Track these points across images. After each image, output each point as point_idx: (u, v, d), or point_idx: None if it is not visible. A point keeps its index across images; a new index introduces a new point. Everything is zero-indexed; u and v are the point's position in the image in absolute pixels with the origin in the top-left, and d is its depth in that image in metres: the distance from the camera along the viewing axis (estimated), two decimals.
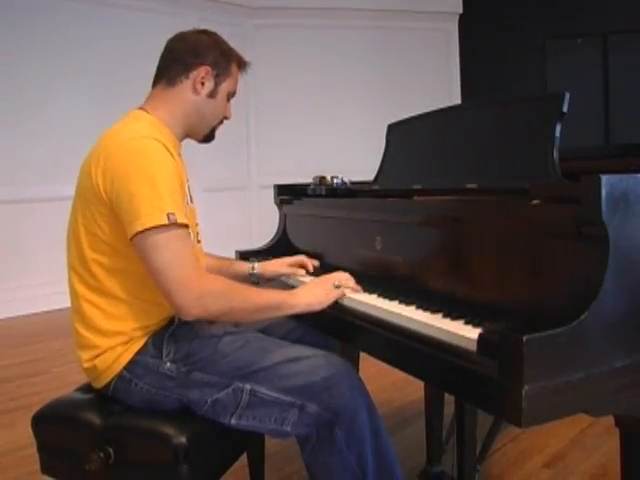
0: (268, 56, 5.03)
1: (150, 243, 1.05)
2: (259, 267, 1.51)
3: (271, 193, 1.88)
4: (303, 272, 1.49)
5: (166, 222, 1.05)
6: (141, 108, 1.24)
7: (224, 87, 1.27)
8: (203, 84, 1.24)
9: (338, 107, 5.31)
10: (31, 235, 4.12)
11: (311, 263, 1.51)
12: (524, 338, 0.76)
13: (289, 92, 5.21)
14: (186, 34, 1.28)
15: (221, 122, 1.33)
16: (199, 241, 1.35)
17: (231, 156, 5.11)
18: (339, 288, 1.22)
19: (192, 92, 1.24)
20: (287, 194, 1.84)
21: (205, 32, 1.29)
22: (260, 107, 5.20)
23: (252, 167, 5.29)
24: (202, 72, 1.24)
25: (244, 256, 1.77)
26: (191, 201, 1.27)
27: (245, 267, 1.51)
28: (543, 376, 0.77)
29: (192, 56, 1.24)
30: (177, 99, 1.24)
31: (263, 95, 5.16)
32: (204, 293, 1.07)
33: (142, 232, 1.05)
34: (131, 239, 1.07)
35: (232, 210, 5.10)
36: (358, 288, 1.25)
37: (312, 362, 1.12)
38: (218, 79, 1.26)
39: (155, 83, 1.27)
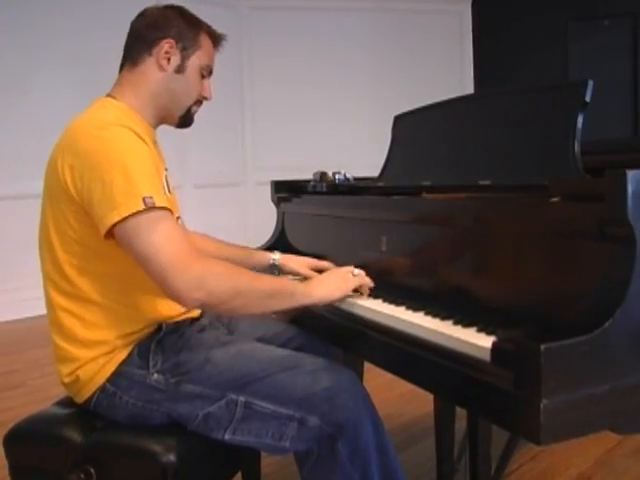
0: (264, 41, 5.03)
1: (130, 228, 1.04)
2: (281, 258, 1.50)
3: (268, 190, 1.88)
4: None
5: (143, 207, 1.04)
6: (108, 95, 1.24)
7: (194, 61, 1.25)
8: (169, 59, 1.23)
9: (340, 97, 5.30)
10: (14, 235, 4.12)
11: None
12: (542, 347, 0.76)
13: (287, 80, 5.20)
14: (148, 9, 1.27)
15: (199, 103, 1.30)
16: None
17: (224, 150, 5.11)
18: (358, 276, 1.22)
19: (157, 69, 1.23)
20: (285, 191, 1.84)
21: (169, 6, 1.28)
22: (256, 96, 5.20)
23: (247, 162, 5.29)
24: (165, 46, 1.22)
25: None
26: (169, 191, 1.26)
27: (267, 257, 1.50)
28: (563, 389, 0.77)
29: (153, 30, 1.23)
30: (143, 80, 1.23)
31: (259, 83, 5.16)
32: (204, 273, 1.05)
33: (121, 222, 1.04)
34: (109, 234, 1.06)
35: (225, 208, 5.09)
36: (371, 283, 1.25)
37: (312, 371, 1.12)
38: (185, 52, 1.24)
39: (121, 67, 1.26)
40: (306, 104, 5.22)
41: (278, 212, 1.86)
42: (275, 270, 1.49)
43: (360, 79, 5.39)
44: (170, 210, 1.09)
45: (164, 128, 1.34)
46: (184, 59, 1.24)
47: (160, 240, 1.04)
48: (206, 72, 1.29)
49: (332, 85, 5.29)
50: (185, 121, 1.30)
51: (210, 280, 1.05)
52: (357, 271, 1.24)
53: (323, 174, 1.78)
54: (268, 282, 1.15)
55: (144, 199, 1.04)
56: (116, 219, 1.04)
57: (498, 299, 1.03)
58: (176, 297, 1.05)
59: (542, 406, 0.76)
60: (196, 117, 1.33)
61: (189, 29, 1.25)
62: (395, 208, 1.34)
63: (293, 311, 1.28)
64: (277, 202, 1.86)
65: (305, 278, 1.40)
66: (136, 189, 1.05)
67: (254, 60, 5.10)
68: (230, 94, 4.98)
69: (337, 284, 1.20)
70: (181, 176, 4.32)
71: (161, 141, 1.33)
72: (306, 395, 1.09)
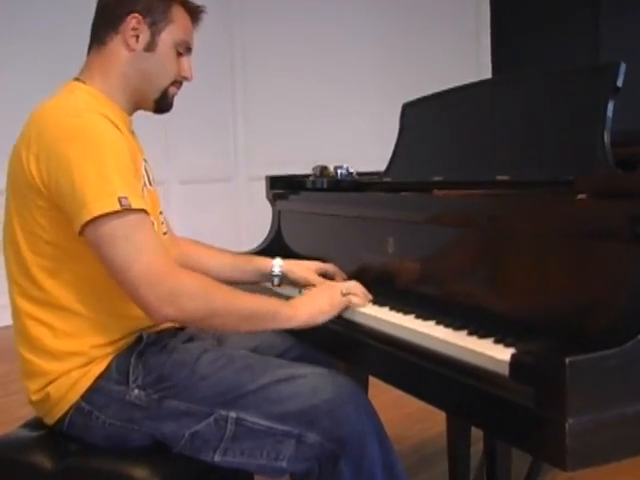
0: (257, 25, 5.03)
1: (104, 235, 1.05)
2: (285, 264, 1.45)
3: (262, 186, 1.88)
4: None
5: (118, 207, 1.04)
6: (76, 79, 1.24)
7: (166, 37, 1.24)
8: (137, 37, 1.22)
9: (343, 84, 5.29)
10: None
11: (341, 277, 1.44)
12: (567, 360, 0.75)
13: (284, 66, 5.19)
14: None
15: (177, 84, 1.29)
16: (165, 233, 1.34)
17: (213, 142, 5.11)
18: (347, 296, 1.22)
19: (125, 49, 1.22)
20: (282, 187, 1.84)
21: None
22: (249, 83, 5.19)
23: (240, 155, 5.28)
24: (132, 22, 1.21)
25: None
26: (150, 184, 1.27)
27: (268, 264, 1.46)
28: (591, 407, 0.77)
29: (118, 5, 1.22)
30: (111, 61, 1.22)
31: (252, 69, 5.15)
32: (178, 288, 1.06)
33: (92, 223, 1.04)
34: (80, 233, 1.06)
35: (215, 207, 5.09)
36: (369, 297, 1.25)
37: (310, 382, 1.12)
38: (155, 28, 1.23)
39: (89, 48, 1.26)
40: (304, 91, 5.21)
41: (273, 211, 1.86)
42: (277, 279, 1.45)
43: (364, 64, 5.38)
44: (147, 212, 1.10)
45: (145, 117, 1.33)
46: (154, 35, 1.23)
47: (135, 250, 1.05)
48: (183, 49, 1.27)
49: (333, 71, 5.29)
50: (162, 105, 1.29)
51: (182, 296, 1.06)
52: (347, 287, 1.23)
53: (323, 168, 1.78)
54: (249, 302, 1.15)
55: (119, 199, 1.04)
56: (87, 218, 1.04)
57: (517, 307, 1.02)
58: (145, 309, 1.07)
59: (567, 426, 0.75)
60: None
61: (159, 1, 1.24)
62: (403, 206, 1.34)
63: None
64: (272, 199, 1.85)
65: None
66: (110, 186, 1.05)
67: (246, 45, 5.10)
68: (220, 80, 4.98)
69: (321, 307, 1.19)
70: (165, 171, 4.32)
71: (142, 131, 1.33)
72: (305, 408, 1.09)
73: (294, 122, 5.18)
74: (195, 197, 4.84)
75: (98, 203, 1.04)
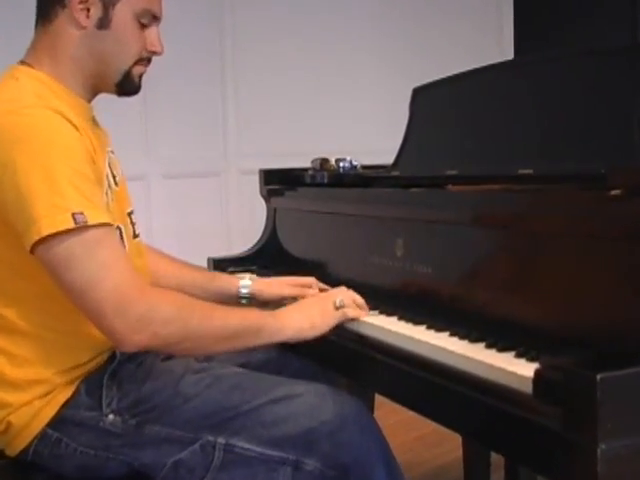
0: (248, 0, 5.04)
1: (58, 255, 1.03)
2: (254, 284, 1.45)
3: (256, 181, 1.89)
4: (314, 292, 1.43)
5: (72, 225, 1.02)
6: (22, 62, 1.20)
7: (122, 9, 1.17)
8: (87, 11, 1.16)
9: (346, 66, 5.28)
10: None
11: (325, 288, 1.43)
12: (598, 377, 0.75)
13: (279, 45, 5.18)
14: None
15: (144, 61, 1.24)
16: (136, 235, 1.32)
17: (201, 131, 5.09)
18: (341, 309, 1.22)
19: (74, 27, 1.17)
20: (277, 182, 1.84)
21: None
22: (240, 65, 5.18)
23: (230, 146, 5.27)
24: None
25: (220, 266, 1.77)
26: (116, 184, 1.24)
27: (233, 284, 1.46)
28: (626, 430, 0.77)
29: None
30: (59, 41, 1.17)
31: (245, 49, 5.14)
32: (150, 313, 1.06)
33: (43, 241, 1.02)
34: (31, 252, 1.04)
35: (202, 204, 5.07)
36: (365, 308, 1.24)
37: (308, 401, 1.12)
38: (107, 0, 1.17)
39: (35, 24, 1.21)
40: (302, 75, 5.19)
41: (268, 208, 1.86)
42: (244, 301, 1.44)
43: (371, 45, 5.37)
44: (111, 225, 1.08)
45: (121, 101, 1.31)
46: (107, 8, 1.16)
47: (97, 270, 1.04)
48: (147, 19, 1.21)
49: (335, 52, 5.27)
50: (127, 88, 1.25)
51: (156, 321, 1.06)
52: (341, 299, 1.22)
53: (324, 161, 1.78)
54: (229, 319, 1.14)
55: (73, 215, 1.02)
56: (35, 237, 1.01)
57: (542, 316, 1.02)
58: (113, 339, 1.07)
59: (599, 452, 0.75)
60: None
61: None
62: (414, 204, 1.34)
63: None
64: (267, 196, 1.86)
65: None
66: (62, 200, 1.02)
67: (237, 21, 5.09)
68: (208, 63, 4.96)
69: (312, 320, 1.19)
70: (146, 164, 4.30)
71: (118, 118, 1.31)
72: (302, 431, 1.09)
73: (291, 109, 5.16)
74: (179, 193, 4.82)
75: (48, 220, 1.01)
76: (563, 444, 0.80)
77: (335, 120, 5.12)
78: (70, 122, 1.10)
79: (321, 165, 1.78)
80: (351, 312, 1.22)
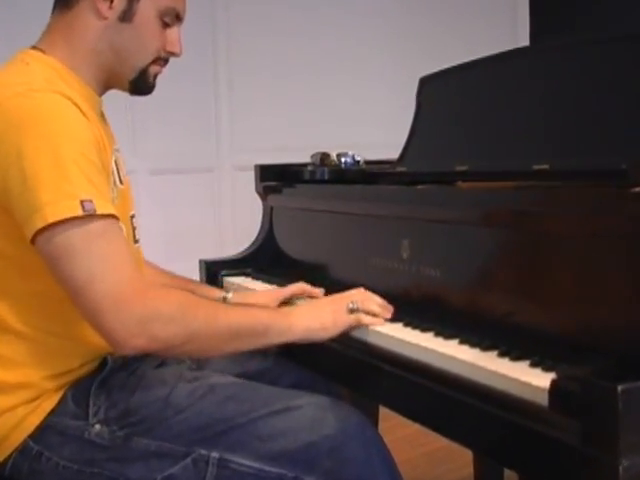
0: None
1: (60, 246, 1.03)
2: (235, 299, 1.47)
3: (251, 177, 1.89)
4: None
5: (80, 213, 1.03)
6: (34, 47, 1.22)
7: (146, 4, 1.20)
8: (110, 3, 1.19)
9: (348, 54, 5.27)
10: None
11: (316, 292, 1.45)
12: (619, 388, 0.76)
13: (276, 32, 5.18)
14: None
15: (161, 61, 1.27)
16: (136, 241, 1.34)
17: (192, 123, 5.09)
18: (355, 312, 1.21)
19: (95, 16, 1.19)
20: (274, 179, 1.84)
21: None
22: (235, 55, 5.17)
23: (223, 140, 5.27)
24: None
25: (213, 269, 1.78)
26: (121, 182, 1.26)
27: (215, 296, 1.47)
28: None
29: None
30: (77, 30, 1.20)
31: (239, 39, 5.14)
32: (151, 313, 1.06)
33: (46, 230, 1.03)
34: (32, 242, 1.05)
35: (193, 202, 5.07)
36: (387, 312, 1.23)
37: (309, 414, 1.12)
38: None
39: (53, 8, 1.23)
40: (301, 64, 5.18)
41: (265, 207, 1.86)
42: None
43: (375, 32, 5.36)
44: (116, 218, 1.09)
45: (108, 92, 1.32)
46: (131, 2, 1.20)
47: (98, 266, 1.04)
48: (170, 18, 1.25)
49: (336, 39, 5.26)
50: (141, 86, 1.28)
51: (156, 322, 1.06)
52: (356, 301, 1.21)
53: (325, 156, 1.79)
54: (236, 317, 1.15)
55: (82, 203, 1.03)
56: (39, 225, 1.02)
57: (558, 322, 1.02)
58: (111, 341, 1.06)
59: (621, 469, 0.75)
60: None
61: None
62: (421, 202, 1.34)
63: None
64: (263, 193, 1.86)
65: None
66: (71, 186, 1.04)
67: (231, 9, 5.09)
68: (199, 50, 4.97)
69: (323, 321, 1.19)
70: (132, 159, 4.28)
71: (107, 113, 1.32)
72: (302, 446, 1.09)
73: (289, 100, 5.16)
74: (169, 190, 4.81)
75: (55, 207, 1.02)
76: (581, 460, 0.80)
77: (336, 112, 5.12)
78: (79, 109, 1.11)
79: (321, 160, 1.79)
80: (365, 319, 1.21)
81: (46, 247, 1.04)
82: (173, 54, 1.28)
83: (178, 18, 1.26)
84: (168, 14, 1.24)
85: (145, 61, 1.25)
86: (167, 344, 1.09)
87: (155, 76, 1.28)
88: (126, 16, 1.21)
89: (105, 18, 1.20)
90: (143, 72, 1.26)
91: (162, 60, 1.27)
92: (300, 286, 1.47)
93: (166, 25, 1.25)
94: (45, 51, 1.20)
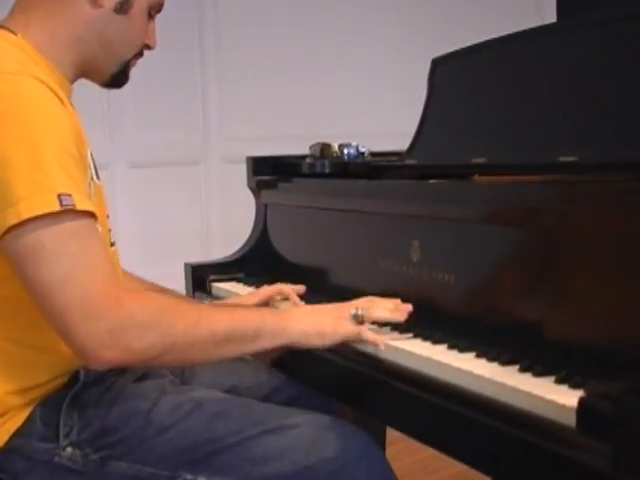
0: None
1: (28, 245, 1.03)
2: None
3: (242, 170, 1.89)
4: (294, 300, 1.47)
5: (57, 208, 1.03)
6: (2, 26, 1.22)
7: None
8: None
9: (350, 35, 5.28)
10: None
11: (295, 291, 1.47)
12: None
13: (269, 12, 5.19)
14: None
15: (139, 55, 1.32)
16: (112, 243, 1.34)
17: (176, 113, 5.10)
18: (360, 324, 1.21)
19: (89, 4, 1.22)
20: (269, 172, 1.85)
21: None
22: (223, 37, 5.17)
23: (211, 130, 5.28)
24: None
25: (199, 274, 1.78)
26: (97, 177, 1.27)
27: None
28: None
29: None
30: (64, 14, 1.22)
31: (229, 18, 5.15)
32: (124, 322, 1.06)
33: (18, 227, 1.03)
34: (1, 238, 1.05)
35: (177, 198, 5.07)
36: (402, 310, 1.22)
37: (306, 433, 1.12)
38: None
39: None
40: (298, 46, 5.19)
41: (258, 204, 1.87)
42: None
43: (380, 10, 5.38)
44: (95, 216, 1.09)
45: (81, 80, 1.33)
46: None
47: (68, 268, 1.04)
48: (155, 12, 1.31)
49: (337, 19, 5.27)
50: (120, 79, 1.33)
51: (130, 332, 1.06)
52: (362, 308, 1.21)
53: (325, 147, 1.79)
54: (221, 320, 1.15)
55: (59, 197, 1.03)
56: (12, 221, 1.03)
57: (587, 333, 1.03)
58: (80, 353, 1.07)
59: None
60: (135, 66, 1.33)
61: None
62: (432, 198, 1.34)
63: (274, 350, 1.28)
64: (256, 189, 1.86)
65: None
66: (49, 179, 1.04)
67: None
68: (185, 33, 4.97)
69: (320, 326, 1.19)
70: (109, 150, 4.31)
71: (79, 98, 1.33)
72: (299, 470, 1.09)
73: (284, 86, 5.15)
74: (149, 185, 4.81)
75: (30, 202, 1.03)
76: None
77: (337, 98, 5.11)
78: (57, 95, 1.12)
79: (321, 152, 1.78)
80: (367, 334, 1.20)
81: (13, 246, 1.05)
82: (149, 47, 1.33)
83: (158, 11, 1.32)
84: (155, 7, 1.30)
85: (130, 53, 1.30)
86: (144, 355, 1.09)
87: (130, 68, 1.33)
88: (123, 7, 1.24)
89: (100, 7, 1.23)
90: (126, 65, 1.31)
91: (139, 54, 1.32)
92: (277, 287, 1.49)
93: (150, 18, 1.30)
94: (15, 31, 1.21)
